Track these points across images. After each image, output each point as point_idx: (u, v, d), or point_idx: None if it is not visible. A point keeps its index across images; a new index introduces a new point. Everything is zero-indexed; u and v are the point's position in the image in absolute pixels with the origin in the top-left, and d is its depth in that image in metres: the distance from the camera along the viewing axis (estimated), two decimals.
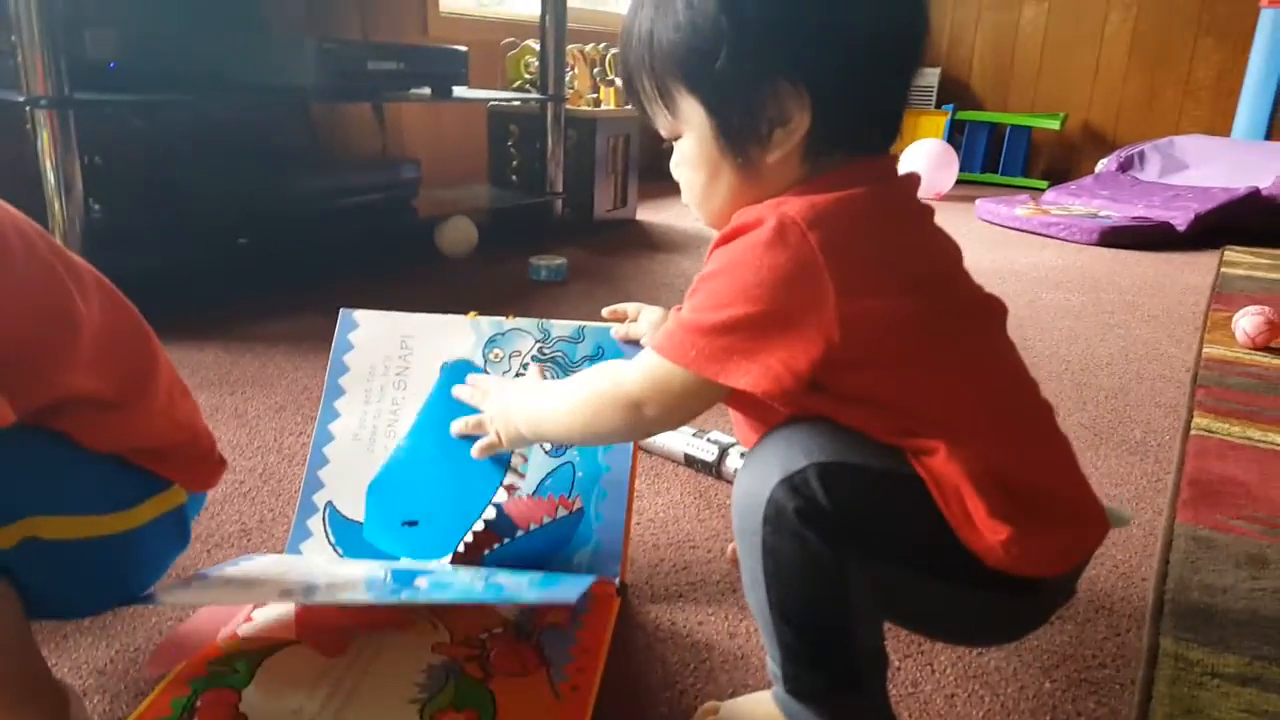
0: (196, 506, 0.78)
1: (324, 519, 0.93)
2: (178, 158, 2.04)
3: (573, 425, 0.71)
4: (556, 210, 2.68)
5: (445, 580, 0.80)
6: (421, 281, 2.12)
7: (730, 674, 0.80)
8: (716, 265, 0.61)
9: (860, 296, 0.58)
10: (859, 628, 0.64)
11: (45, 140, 1.47)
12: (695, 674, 0.80)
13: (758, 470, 0.61)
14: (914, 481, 0.60)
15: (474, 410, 0.89)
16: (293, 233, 2.04)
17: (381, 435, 0.94)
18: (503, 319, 0.98)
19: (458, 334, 0.98)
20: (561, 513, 0.85)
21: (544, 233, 2.64)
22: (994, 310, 0.68)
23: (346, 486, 0.93)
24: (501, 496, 0.84)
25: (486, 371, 0.96)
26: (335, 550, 0.92)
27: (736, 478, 0.64)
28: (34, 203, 1.52)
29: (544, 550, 0.87)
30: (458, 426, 0.87)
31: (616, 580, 0.88)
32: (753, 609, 0.66)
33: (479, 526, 0.85)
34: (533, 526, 0.86)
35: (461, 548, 0.86)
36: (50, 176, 1.49)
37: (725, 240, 0.62)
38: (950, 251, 0.68)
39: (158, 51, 1.93)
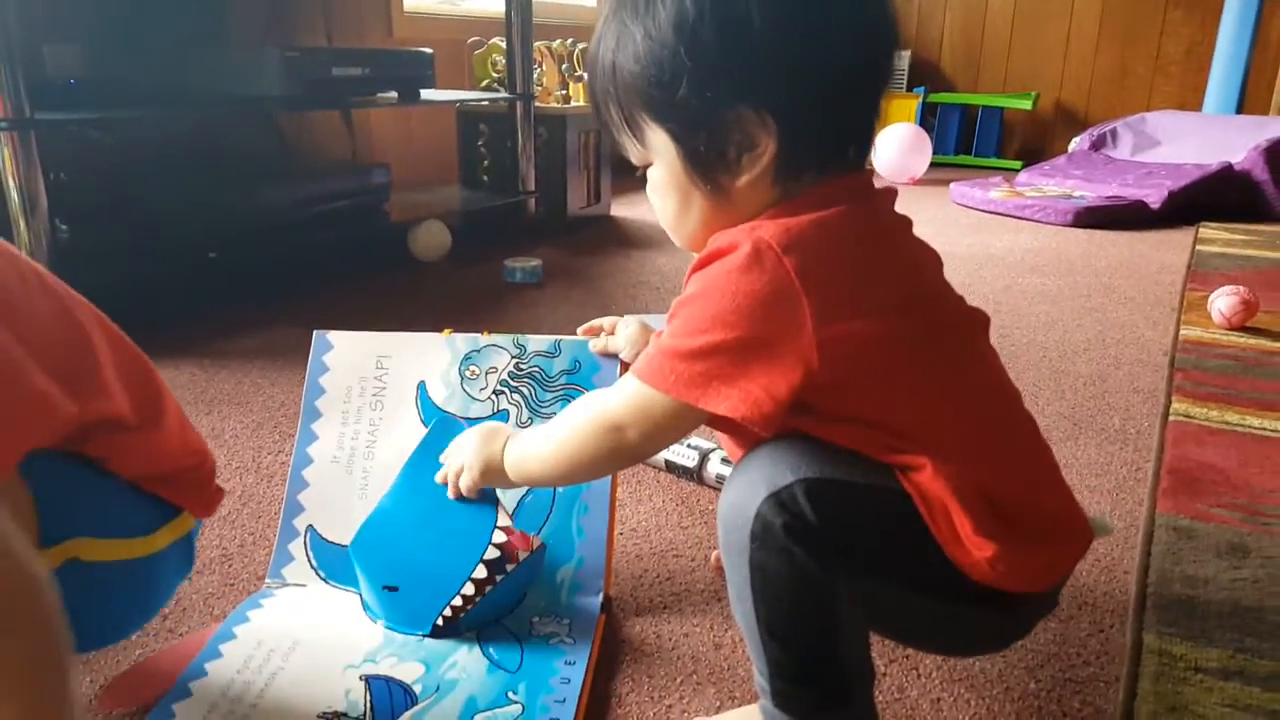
0: (195, 533, 0.77)
1: (305, 543, 0.92)
2: (144, 172, 2.01)
3: (558, 458, 0.70)
4: (530, 209, 2.66)
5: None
6: (396, 288, 2.10)
7: (718, 686, 0.80)
8: (694, 290, 0.61)
9: (838, 320, 0.57)
10: (846, 641, 0.64)
11: (7, 161, 1.44)
12: (682, 688, 0.80)
13: (744, 486, 0.61)
14: (901, 497, 0.60)
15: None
16: (263, 244, 2.01)
17: (360, 457, 0.93)
18: (478, 335, 0.97)
19: (433, 352, 0.97)
20: (522, 555, 0.84)
21: (518, 232, 2.62)
22: (975, 323, 0.68)
23: (327, 509, 0.92)
24: (481, 572, 0.81)
25: (465, 391, 0.95)
26: (318, 573, 0.91)
27: (722, 493, 0.64)
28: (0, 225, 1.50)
29: (512, 599, 0.86)
30: (440, 475, 0.84)
31: (600, 596, 0.87)
32: (739, 623, 0.66)
33: (480, 573, 0.82)
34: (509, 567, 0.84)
35: (458, 601, 0.83)
36: (14, 196, 1.46)
37: (702, 265, 0.62)
38: (930, 264, 0.68)
39: (120, 66, 1.90)
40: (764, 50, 0.57)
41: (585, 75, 0.69)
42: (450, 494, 0.83)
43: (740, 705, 0.77)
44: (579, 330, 0.95)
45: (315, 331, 0.98)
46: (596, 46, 0.64)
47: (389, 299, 2.02)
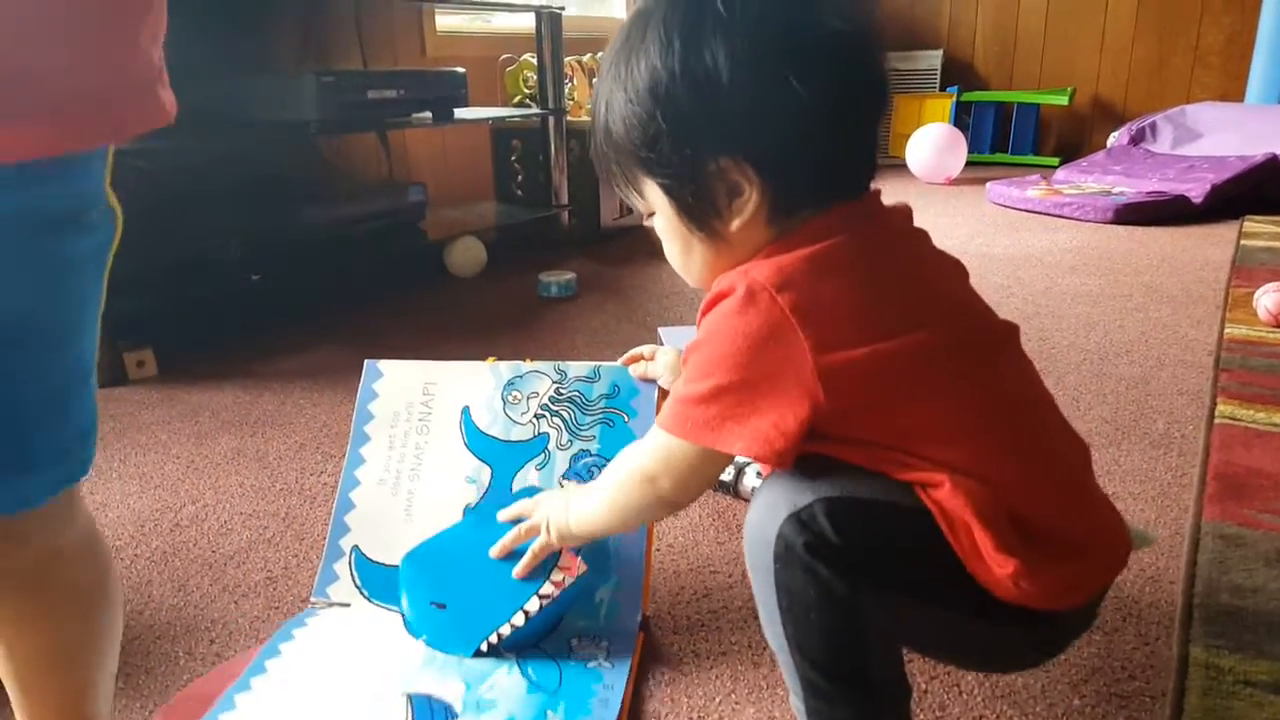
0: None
1: (350, 563, 0.94)
2: (185, 198, 2.06)
3: (611, 513, 0.75)
4: (563, 222, 2.68)
5: None
6: (433, 305, 2.13)
7: (757, 706, 0.80)
8: (700, 336, 0.64)
9: (838, 349, 0.58)
10: (878, 659, 0.64)
11: None
12: (722, 708, 0.80)
13: (766, 507, 0.62)
14: (922, 514, 0.60)
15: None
16: (303, 266, 2.05)
17: (405, 479, 0.96)
18: (521, 363, 1.00)
19: (477, 378, 1.00)
20: (568, 580, 0.85)
21: (552, 246, 2.64)
22: (999, 334, 0.67)
23: (372, 531, 0.95)
24: (534, 605, 0.83)
25: (507, 415, 0.97)
26: (361, 592, 0.93)
27: (747, 515, 0.65)
28: None
29: (553, 621, 0.88)
30: (513, 533, 0.86)
31: (638, 616, 0.88)
32: (771, 644, 0.66)
33: (533, 605, 0.83)
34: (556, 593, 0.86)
35: (506, 630, 0.84)
36: None
37: (707, 308, 0.64)
38: (949, 277, 0.68)
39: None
40: (734, 103, 0.60)
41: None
42: (505, 548, 0.86)
43: None
44: (620, 360, 0.98)
45: (367, 361, 1.02)
46: (594, 110, 0.68)
47: (427, 316, 2.04)
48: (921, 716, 0.78)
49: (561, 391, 0.98)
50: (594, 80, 2.92)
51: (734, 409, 0.60)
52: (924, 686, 0.81)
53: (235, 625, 0.92)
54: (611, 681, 0.81)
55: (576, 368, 0.99)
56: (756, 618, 0.90)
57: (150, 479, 1.25)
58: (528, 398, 0.98)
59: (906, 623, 0.63)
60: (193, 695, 0.82)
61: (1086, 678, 0.83)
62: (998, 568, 0.58)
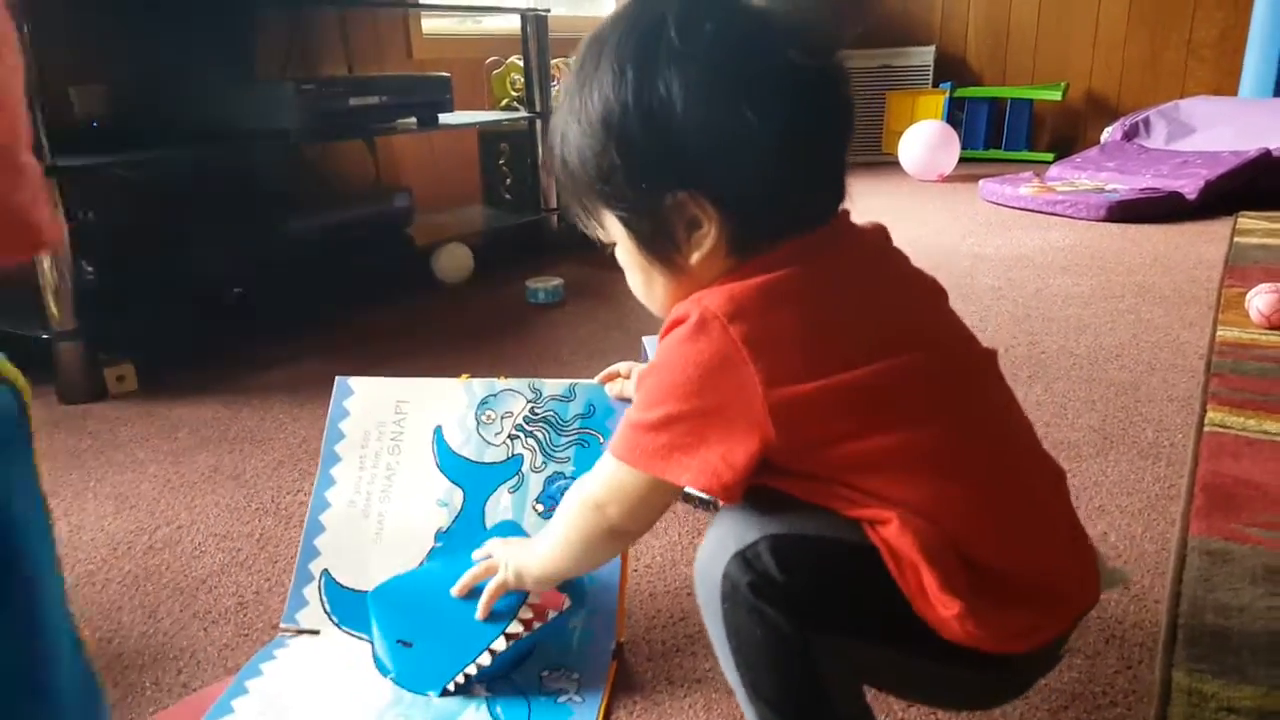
0: None
1: (320, 588, 0.92)
2: (169, 209, 2.04)
3: (565, 548, 0.73)
4: (552, 226, 2.66)
5: None
6: (420, 313, 2.11)
7: None
8: (653, 363, 0.62)
9: (788, 383, 0.57)
10: (833, 696, 0.62)
11: None
12: None
13: (714, 545, 0.61)
14: (870, 552, 0.58)
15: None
16: (287, 275, 2.04)
17: (376, 501, 0.95)
18: (495, 380, 0.98)
19: (451, 396, 0.98)
20: (551, 614, 0.84)
21: (541, 249, 2.62)
22: (972, 363, 0.65)
23: (342, 555, 0.93)
24: (501, 644, 0.80)
25: (480, 435, 0.96)
26: (330, 618, 0.91)
27: (698, 552, 0.63)
28: (23, 268, 1.52)
29: (525, 653, 0.86)
30: (472, 571, 0.83)
31: (612, 645, 0.87)
32: (731, 686, 0.64)
33: (499, 644, 0.81)
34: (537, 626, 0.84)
35: (472, 670, 0.82)
36: None
37: (663, 335, 0.63)
38: (919, 304, 0.66)
39: (142, 105, 1.93)
40: (688, 136, 0.58)
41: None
42: (465, 586, 0.83)
43: None
44: (596, 378, 0.96)
45: (337, 378, 1.00)
46: (549, 138, 0.67)
47: (414, 325, 2.03)
48: None
49: (536, 411, 0.96)
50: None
51: (683, 438, 0.59)
52: (900, 714, 0.80)
53: (204, 654, 0.91)
54: (582, 717, 0.79)
55: (551, 386, 0.97)
56: None
57: (126, 499, 1.24)
58: (501, 417, 0.96)
59: (857, 661, 0.61)
60: None
61: (1067, 704, 0.81)
62: (943, 608, 0.56)
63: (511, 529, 0.92)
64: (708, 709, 0.82)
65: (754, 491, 0.60)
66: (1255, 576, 0.97)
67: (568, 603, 0.85)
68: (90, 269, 1.69)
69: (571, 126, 0.63)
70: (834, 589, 0.59)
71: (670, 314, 0.62)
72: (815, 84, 0.60)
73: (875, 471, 0.58)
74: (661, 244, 0.63)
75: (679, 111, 0.58)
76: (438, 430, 0.96)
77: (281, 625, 0.92)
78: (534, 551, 0.78)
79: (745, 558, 0.58)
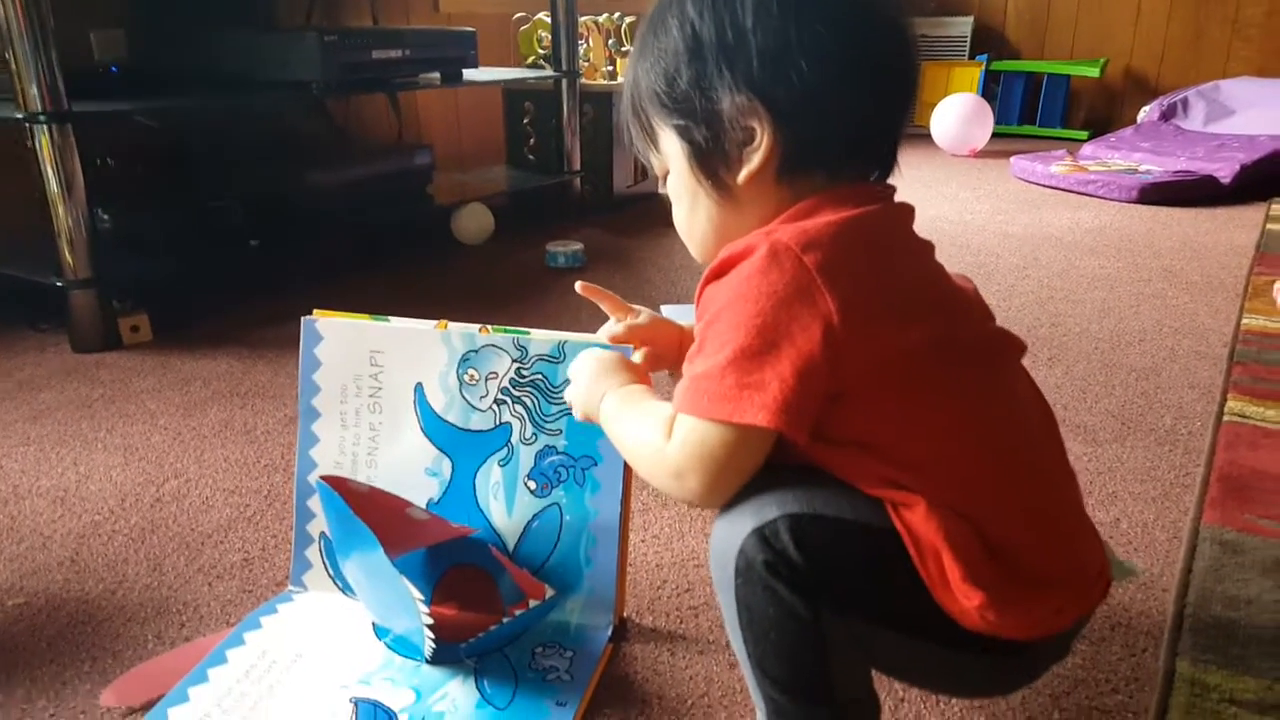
0: None
1: (320, 549, 0.92)
2: (188, 157, 2.04)
3: (637, 470, 0.66)
4: (575, 189, 2.64)
5: None
6: (438, 273, 2.11)
7: (729, 710, 0.78)
8: (715, 307, 0.59)
9: (860, 321, 0.56)
10: (842, 678, 0.62)
11: (45, 152, 1.46)
12: (694, 711, 0.78)
13: (732, 520, 0.60)
14: (890, 537, 0.57)
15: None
16: (305, 230, 2.03)
17: (363, 465, 0.90)
18: (475, 333, 0.89)
19: (428, 349, 0.89)
20: (532, 603, 0.83)
21: (563, 213, 2.61)
22: (1004, 349, 0.65)
23: None
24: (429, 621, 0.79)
25: (464, 398, 0.89)
26: (335, 583, 0.91)
27: (714, 525, 0.62)
28: (39, 215, 1.53)
29: (517, 632, 0.86)
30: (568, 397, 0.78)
31: (608, 629, 0.86)
32: (738, 659, 0.64)
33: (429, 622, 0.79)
34: (505, 620, 0.83)
35: (431, 639, 0.81)
36: (54, 188, 1.49)
37: (715, 275, 0.61)
38: (956, 284, 0.65)
39: (162, 50, 1.92)
40: (755, 39, 0.60)
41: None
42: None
43: None
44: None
45: (304, 319, 0.91)
46: (627, 72, 0.69)
47: (431, 284, 2.02)
48: None
49: (523, 373, 0.88)
50: (609, 41, 2.86)
51: (751, 375, 0.55)
52: (900, 696, 0.80)
53: (208, 609, 0.92)
54: (566, 699, 0.78)
55: (538, 343, 0.87)
56: None
57: (135, 450, 1.25)
58: (486, 379, 0.89)
59: (869, 645, 0.60)
60: (147, 673, 0.81)
61: (1069, 690, 0.80)
62: (964, 599, 0.55)
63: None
64: (709, 681, 0.82)
65: (774, 468, 0.59)
66: (1265, 568, 0.95)
67: (550, 593, 0.84)
68: (106, 217, 1.69)
69: (651, 45, 0.65)
70: (851, 572, 0.58)
71: (723, 251, 0.61)
72: (888, 29, 0.62)
73: (914, 439, 0.58)
74: (714, 157, 0.63)
75: (749, 15, 0.60)
76: (419, 389, 0.89)
77: (290, 586, 0.92)
78: (614, 431, 0.69)
79: (763, 535, 0.57)
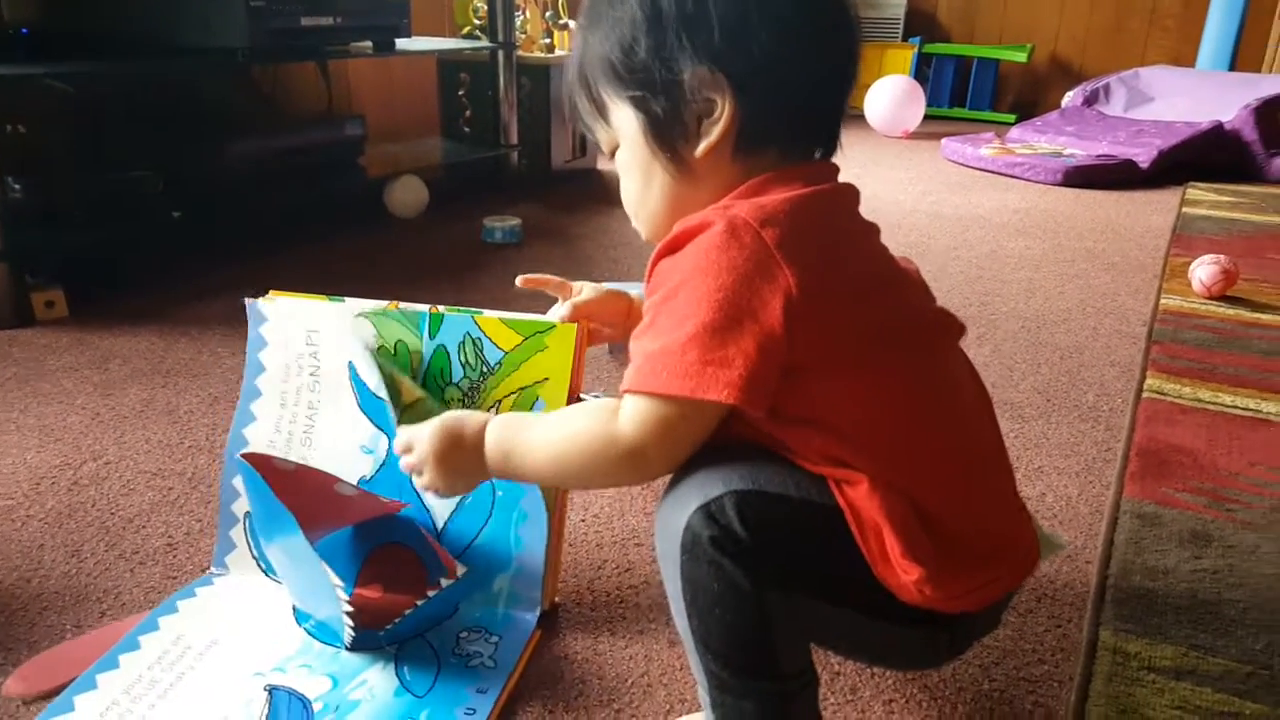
0: None
1: (244, 529, 0.90)
2: (104, 126, 1.95)
3: (562, 475, 0.65)
4: (512, 163, 2.61)
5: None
6: (370, 247, 2.06)
7: (669, 688, 0.79)
8: (671, 283, 0.59)
9: (818, 297, 0.57)
10: (783, 654, 0.62)
11: None
12: (633, 690, 0.78)
13: (678, 497, 0.60)
14: (833, 513, 0.58)
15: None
16: (230, 201, 1.96)
17: (297, 443, 0.88)
18: (385, 307, 0.87)
19: (357, 330, 0.87)
20: (445, 582, 0.81)
21: (499, 187, 2.57)
22: (945, 330, 0.67)
23: None
24: (349, 608, 0.77)
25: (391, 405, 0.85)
26: (259, 564, 0.89)
27: (660, 502, 0.62)
28: None
29: (442, 614, 0.84)
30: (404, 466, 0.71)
31: (536, 612, 0.85)
32: (680, 636, 0.64)
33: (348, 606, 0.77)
34: (418, 604, 0.81)
35: (350, 626, 0.79)
36: None
37: (668, 250, 0.61)
38: (901, 266, 0.66)
39: (77, 13, 1.83)
40: (713, 9, 0.59)
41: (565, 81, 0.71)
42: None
43: (690, 711, 0.76)
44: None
45: (248, 301, 0.89)
46: (574, 42, 0.67)
47: (362, 259, 1.98)
48: (832, 700, 0.78)
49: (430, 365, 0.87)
50: (546, 14, 2.82)
51: (715, 351, 0.55)
52: (836, 668, 0.81)
53: (129, 596, 0.88)
54: (487, 686, 0.77)
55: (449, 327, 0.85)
56: None
57: (51, 431, 1.19)
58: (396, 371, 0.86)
59: (810, 620, 0.61)
60: (55, 659, 0.78)
61: (998, 660, 0.83)
62: (904, 573, 0.57)
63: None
64: (649, 659, 0.82)
65: (720, 447, 0.60)
66: (1182, 539, 0.99)
67: (462, 569, 0.82)
68: (17, 186, 1.61)
69: (605, 12, 0.63)
70: (794, 548, 0.59)
71: (677, 226, 0.60)
72: (838, 2, 0.63)
73: (860, 416, 0.59)
74: (671, 129, 0.62)
75: None
76: (351, 366, 0.87)
77: (212, 569, 0.90)
78: (516, 452, 0.65)
79: (709, 511, 0.57)
